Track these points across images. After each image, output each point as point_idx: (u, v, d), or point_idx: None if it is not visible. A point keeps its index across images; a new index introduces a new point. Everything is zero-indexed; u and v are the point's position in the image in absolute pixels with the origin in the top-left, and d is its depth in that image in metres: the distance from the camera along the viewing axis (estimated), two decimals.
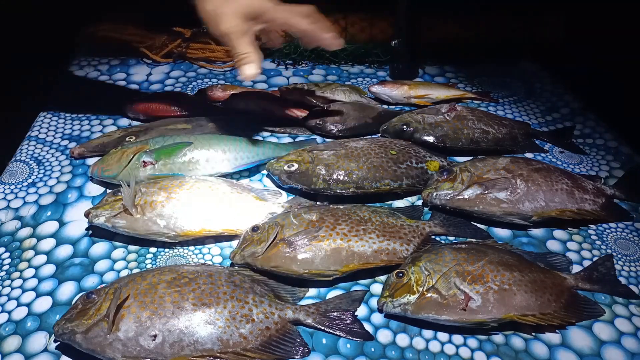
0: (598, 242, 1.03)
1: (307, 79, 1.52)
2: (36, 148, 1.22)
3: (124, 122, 1.32)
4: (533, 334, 0.87)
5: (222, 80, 1.50)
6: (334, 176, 1.08)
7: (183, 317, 0.80)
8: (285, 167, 1.09)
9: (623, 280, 0.96)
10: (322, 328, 0.86)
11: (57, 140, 1.25)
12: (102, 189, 1.12)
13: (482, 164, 1.10)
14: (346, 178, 1.08)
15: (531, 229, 1.06)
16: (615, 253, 1.01)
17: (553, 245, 1.03)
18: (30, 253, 0.98)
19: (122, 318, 0.79)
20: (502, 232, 1.05)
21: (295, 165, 1.09)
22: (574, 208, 1.05)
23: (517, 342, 0.86)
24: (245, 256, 0.92)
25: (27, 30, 1.60)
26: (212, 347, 0.79)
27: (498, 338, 0.86)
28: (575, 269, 0.98)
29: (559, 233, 1.05)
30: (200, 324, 0.80)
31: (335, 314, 0.87)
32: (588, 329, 0.88)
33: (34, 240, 1.00)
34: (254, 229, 0.95)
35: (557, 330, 0.88)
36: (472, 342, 0.86)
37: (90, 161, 1.17)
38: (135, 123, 1.31)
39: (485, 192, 1.04)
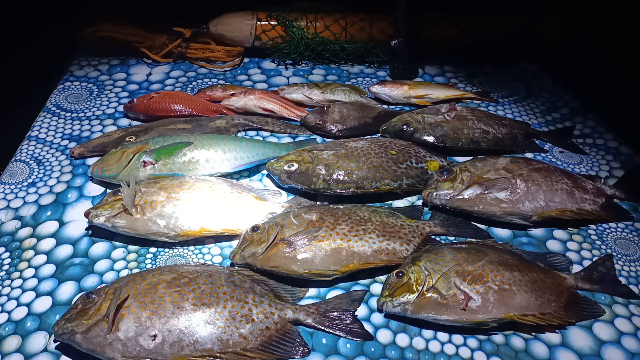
0: (598, 242, 1.03)
1: (307, 79, 1.52)
2: (36, 148, 1.22)
3: (124, 122, 1.32)
4: (533, 333, 0.87)
5: (222, 80, 1.50)
6: (334, 176, 1.08)
7: (183, 317, 0.80)
8: (285, 167, 1.09)
9: (623, 280, 0.96)
10: (322, 328, 0.86)
11: (57, 140, 1.25)
12: (102, 189, 1.12)
13: (482, 164, 1.10)
14: (346, 178, 1.08)
15: (531, 229, 1.06)
16: (615, 253, 1.01)
17: (553, 245, 1.03)
18: (30, 253, 0.98)
19: (122, 318, 0.79)
20: (502, 232, 1.05)
21: (295, 165, 1.09)
22: (574, 208, 1.05)
23: (517, 342, 0.86)
24: (245, 256, 0.92)
25: (28, 30, 1.60)
26: (212, 347, 0.79)
27: (498, 338, 0.86)
28: (575, 268, 0.97)
29: (559, 233, 1.05)
30: (200, 324, 0.80)
31: (335, 314, 0.87)
32: (588, 329, 0.88)
33: (33, 240, 1.00)
34: (254, 229, 0.95)
35: (557, 330, 0.88)
36: (472, 342, 0.86)
37: (90, 161, 1.18)
38: (135, 123, 1.31)
39: (485, 192, 1.04)
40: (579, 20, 1.56)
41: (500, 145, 1.24)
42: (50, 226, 1.03)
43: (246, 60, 1.59)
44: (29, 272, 0.94)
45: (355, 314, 0.88)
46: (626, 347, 0.86)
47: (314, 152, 1.12)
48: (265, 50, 1.58)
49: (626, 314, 0.91)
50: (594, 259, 0.99)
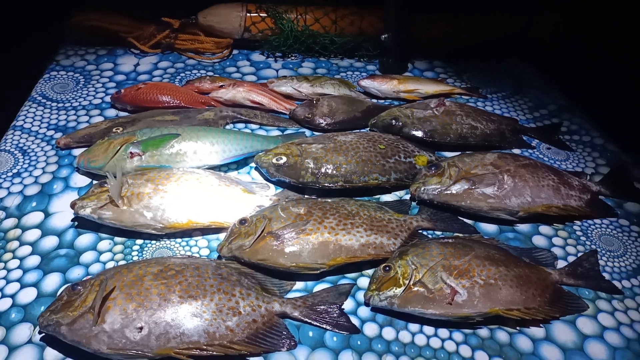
0: (583, 238, 1.04)
1: (296, 72, 1.52)
2: (21, 138, 1.20)
3: (111, 112, 1.31)
4: (518, 328, 0.88)
5: (211, 71, 1.49)
6: (323, 170, 1.08)
7: (169, 310, 0.79)
8: (274, 160, 1.09)
9: (607, 276, 0.97)
10: (309, 321, 0.86)
11: (43, 130, 1.23)
12: (89, 180, 1.11)
13: (469, 159, 1.10)
14: (335, 172, 1.08)
15: (517, 225, 1.06)
16: (599, 249, 1.02)
17: (539, 241, 1.04)
18: (15, 244, 0.97)
19: (107, 310, 0.78)
20: (489, 227, 1.06)
21: (284, 159, 1.09)
22: (560, 204, 1.06)
23: (502, 336, 0.87)
24: (232, 249, 0.92)
25: (14, 19, 1.57)
26: (199, 339, 0.78)
27: (483, 332, 0.87)
28: (560, 264, 0.98)
29: (544, 228, 1.06)
30: (187, 316, 0.79)
31: (322, 307, 0.87)
32: (572, 324, 0.89)
33: (18, 231, 0.99)
34: (242, 221, 0.95)
35: (541, 325, 0.88)
36: (458, 335, 0.86)
37: (76, 152, 1.16)
38: (122, 114, 1.30)
39: (473, 187, 1.05)
40: (570, 18, 1.57)
41: (488, 141, 1.25)
42: (36, 217, 1.02)
43: (235, 52, 1.58)
44: (14, 263, 0.93)
45: (342, 307, 0.88)
46: (609, 341, 0.87)
47: (303, 145, 1.12)
48: (254, 43, 1.58)
49: (609, 309, 0.92)
50: (579, 254, 1.00)
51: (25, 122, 1.25)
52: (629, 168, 1.17)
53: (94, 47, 1.55)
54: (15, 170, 1.12)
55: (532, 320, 0.87)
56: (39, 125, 1.24)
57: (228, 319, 0.81)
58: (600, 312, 0.91)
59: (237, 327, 0.81)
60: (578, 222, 1.08)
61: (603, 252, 1.02)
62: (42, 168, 1.13)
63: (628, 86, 1.38)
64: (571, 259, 1.00)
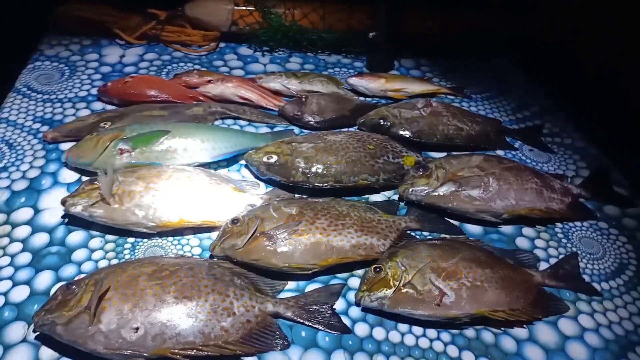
0: (564, 240, 1.08)
1: (284, 67, 1.52)
2: (7, 131, 1.18)
3: (97, 105, 1.29)
4: (502, 329, 0.91)
5: (198, 64, 1.48)
6: (313, 169, 1.09)
7: (165, 310, 0.80)
8: (265, 159, 1.10)
9: (587, 278, 1.00)
10: (301, 321, 0.87)
11: (29, 123, 1.21)
12: (77, 176, 1.10)
13: (456, 161, 1.13)
14: (325, 171, 1.09)
15: (501, 226, 1.09)
16: (579, 251, 1.05)
17: (522, 243, 1.07)
18: (5, 240, 0.96)
19: (103, 310, 0.79)
20: (474, 229, 1.08)
21: (275, 157, 1.10)
22: (543, 207, 1.09)
23: (488, 336, 0.90)
24: (225, 248, 0.93)
25: None
26: (194, 340, 0.79)
27: (469, 332, 0.90)
28: (542, 265, 1.01)
29: (527, 230, 1.09)
30: (182, 317, 0.80)
31: (314, 307, 0.89)
32: (553, 325, 0.93)
33: (8, 227, 0.98)
34: (234, 221, 0.95)
35: (524, 326, 0.92)
36: (445, 336, 0.89)
37: (64, 146, 1.15)
38: (109, 107, 1.28)
39: (459, 189, 1.07)
40: (558, 19, 1.60)
41: (473, 142, 1.27)
42: (25, 213, 1.01)
43: (222, 45, 1.58)
44: (5, 260, 0.93)
45: (334, 307, 0.90)
46: (588, 342, 0.91)
47: (293, 144, 1.13)
48: (242, 36, 1.57)
49: (589, 311, 0.95)
50: (560, 256, 1.04)
51: (10, 115, 1.23)
52: (609, 171, 1.21)
53: (78, 37, 1.52)
54: (1, 165, 1.10)
55: (516, 321, 0.90)
56: (24, 118, 1.23)
57: (223, 320, 0.82)
58: (581, 313, 0.95)
59: (231, 328, 0.82)
60: (560, 224, 1.11)
61: (583, 254, 1.05)
62: (30, 162, 1.12)
63: (613, 89, 1.41)
64: (553, 260, 1.03)
